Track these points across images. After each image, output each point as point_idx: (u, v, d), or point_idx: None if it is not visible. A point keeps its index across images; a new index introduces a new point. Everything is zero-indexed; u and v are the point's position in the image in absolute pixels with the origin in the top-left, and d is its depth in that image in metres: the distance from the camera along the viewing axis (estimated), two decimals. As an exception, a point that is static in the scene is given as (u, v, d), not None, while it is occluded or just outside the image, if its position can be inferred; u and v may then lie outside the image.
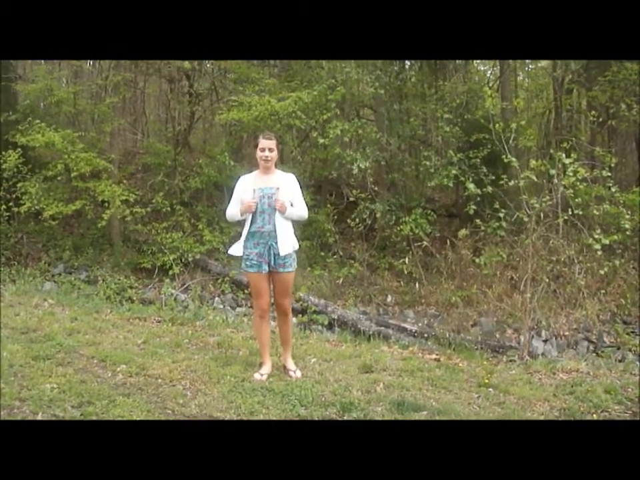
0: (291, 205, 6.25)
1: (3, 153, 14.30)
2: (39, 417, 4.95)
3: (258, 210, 6.17)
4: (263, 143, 6.21)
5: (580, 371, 7.34)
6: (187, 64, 14.58)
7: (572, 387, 6.56)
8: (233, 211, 6.42)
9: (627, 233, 11.04)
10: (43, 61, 17.99)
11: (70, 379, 5.87)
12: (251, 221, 6.22)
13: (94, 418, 4.99)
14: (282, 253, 6.15)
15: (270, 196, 6.17)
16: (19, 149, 14.13)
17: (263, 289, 6.35)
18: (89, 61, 18.90)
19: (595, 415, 5.75)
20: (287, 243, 6.21)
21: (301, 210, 6.38)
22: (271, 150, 6.21)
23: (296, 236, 6.44)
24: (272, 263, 6.19)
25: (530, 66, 21.55)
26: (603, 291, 12.57)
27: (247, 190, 6.26)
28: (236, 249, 6.38)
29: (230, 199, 6.51)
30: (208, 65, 16.36)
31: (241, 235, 6.39)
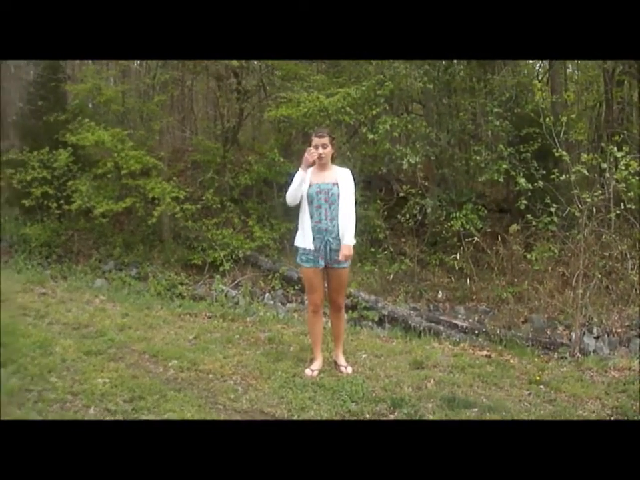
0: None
1: (54, 152, 14.49)
2: (91, 411, 5.02)
3: (314, 205, 6.17)
4: (315, 140, 6.22)
5: (632, 369, 7.19)
6: (234, 61, 14.60)
7: (624, 385, 6.46)
8: (292, 188, 6.31)
9: (681, 227, 10.87)
10: (91, 61, 18.21)
11: (122, 373, 5.95)
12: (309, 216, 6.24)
13: (145, 412, 5.04)
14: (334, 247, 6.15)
15: (326, 191, 6.17)
16: (69, 148, 14.34)
17: (317, 284, 6.37)
18: (136, 60, 19.07)
19: (647, 414, 5.66)
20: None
21: (350, 220, 6.23)
22: (324, 146, 6.19)
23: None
24: (328, 258, 6.20)
25: (579, 58, 21.26)
26: (657, 287, 12.35)
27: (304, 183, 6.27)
28: (300, 241, 6.37)
29: (284, 194, 6.49)
30: (255, 63, 16.38)
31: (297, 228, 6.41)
